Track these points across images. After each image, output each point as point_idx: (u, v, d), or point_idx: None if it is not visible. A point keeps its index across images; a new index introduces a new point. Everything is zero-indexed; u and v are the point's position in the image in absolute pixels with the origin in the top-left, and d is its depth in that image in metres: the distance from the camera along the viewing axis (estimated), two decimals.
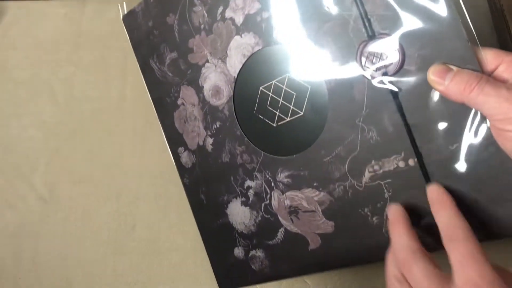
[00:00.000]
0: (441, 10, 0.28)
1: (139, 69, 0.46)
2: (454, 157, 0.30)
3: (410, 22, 0.29)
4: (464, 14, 0.28)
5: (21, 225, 0.54)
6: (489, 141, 0.28)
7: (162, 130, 0.46)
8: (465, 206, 0.29)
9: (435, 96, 0.29)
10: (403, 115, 0.31)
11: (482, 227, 0.29)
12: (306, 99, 0.35)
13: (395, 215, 0.31)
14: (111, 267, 0.52)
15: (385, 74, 0.30)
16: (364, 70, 0.31)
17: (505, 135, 0.26)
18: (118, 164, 0.55)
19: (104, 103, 0.57)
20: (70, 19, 0.60)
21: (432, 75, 0.28)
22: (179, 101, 0.43)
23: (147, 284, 0.51)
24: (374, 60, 0.31)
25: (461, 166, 0.29)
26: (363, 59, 0.31)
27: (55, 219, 0.54)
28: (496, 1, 0.47)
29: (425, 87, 0.29)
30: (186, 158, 0.45)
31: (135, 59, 0.46)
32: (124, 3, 0.46)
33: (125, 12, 0.46)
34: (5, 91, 0.59)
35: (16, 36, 0.60)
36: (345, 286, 0.47)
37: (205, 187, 0.44)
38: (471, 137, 0.29)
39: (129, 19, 0.45)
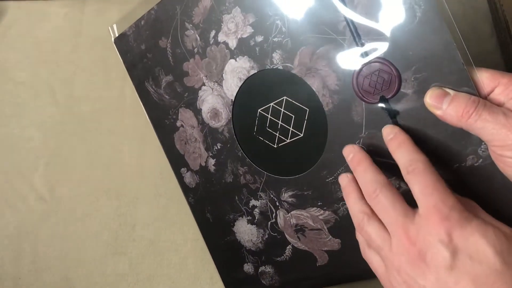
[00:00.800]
0: (436, 34, 0.28)
1: (135, 91, 0.46)
2: (456, 177, 0.30)
3: (405, 46, 0.29)
4: (459, 36, 0.28)
5: (21, 225, 0.54)
6: (490, 161, 0.29)
7: (163, 150, 0.46)
8: None
9: (433, 118, 0.29)
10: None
11: None
12: (305, 121, 0.36)
13: (357, 154, 0.31)
14: (111, 267, 0.52)
15: (382, 97, 0.31)
16: (360, 93, 0.32)
17: (504, 161, 0.27)
18: (118, 164, 0.55)
19: (104, 103, 0.57)
20: (70, 19, 0.60)
21: (430, 99, 0.28)
22: (178, 123, 0.44)
23: (147, 284, 0.51)
24: (370, 84, 0.31)
25: (460, 185, 0.30)
26: (360, 83, 0.31)
27: (55, 219, 0.54)
28: (496, 1, 0.47)
29: (422, 110, 0.29)
30: (189, 178, 0.45)
31: (126, 68, 0.47)
32: (115, 25, 0.45)
33: (116, 35, 0.46)
34: (5, 91, 0.59)
35: (16, 36, 0.60)
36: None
37: (211, 206, 0.44)
38: (472, 158, 0.29)
39: (121, 42, 0.45)
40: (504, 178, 0.28)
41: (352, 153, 0.32)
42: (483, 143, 0.28)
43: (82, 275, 0.52)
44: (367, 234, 0.29)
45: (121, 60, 0.46)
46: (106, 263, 0.52)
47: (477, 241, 0.24)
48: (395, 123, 0.31)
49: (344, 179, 0.32)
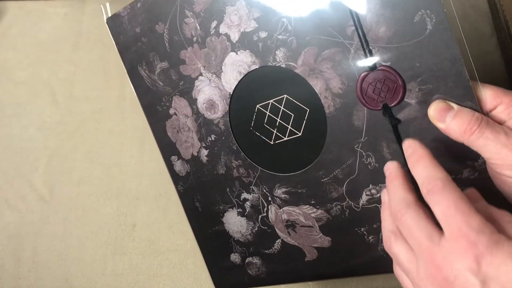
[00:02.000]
0: (444, 48, 0.28)
1: (126, 74, 0.45)
2: None
3: (413, 57, 0.29)
4: (466, 50, 0.28)
5: (21, 225, 0.54)
6: (486, 175, 0.29)
7: (153, 137, 0.45)
8: None
9: (433, 130, 0.29)
10: (401, 146, 0.31)
11: None
12: (305, 121, 0.35)
13: (392, 170, 0.30)
14: (111, 267, 0.52)
15: (385, 105, 0.31)
16: (364, 99, 0.31)
17: (502, 179, 0.27)
18: (118, 164, 0.55)
19: (104, 103, 0.57)
20: (70, 19, 0.60)
21: (433, 112, 0.28)
22: (171, 111, 0.43)
23: (147, 284, 0.51)
24: (374, 91, 0.31)
25: None
26: (364, 89, 0.31)
27: (55, 219, 0.54)
28: (496, 1, 0.47)
29: (424, 121, 0.29)
30: (179, 166, 0.44)
31: (117, 49, 0.45)
32: (108, 4, 0.44)
33: (109, 14, 0.44)
34: (5, 91, 0.59)
35: (16, 36, 0.60)
36: (346, 285, 0.47)
37: (200, 196, 0.44)
38: (468, 171, 0.30)
39: (114, 23, 0.44)
40: (498, 193, 0.28)
41: (389, 169, 0.30)
42: (480, 157, 0.29)
43: (82, 275, 0.52)
44: (395, 255, 0.28)
45: (113, 42, 0.44)
46: (106, 263, 0.52)
47: (510, 269, 0.22)
48: (396, 131, 0.31)
49: (384, 195, 0.31)
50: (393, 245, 0.28)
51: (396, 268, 0.30)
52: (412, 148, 0.28)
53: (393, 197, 0.28)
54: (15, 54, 0.60)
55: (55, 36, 0.60)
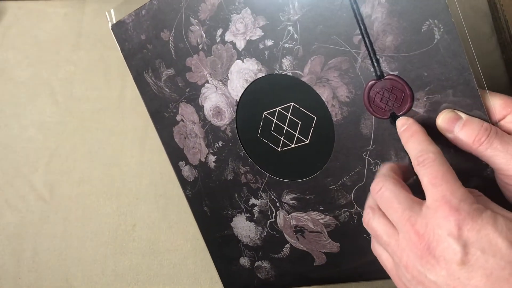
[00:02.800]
0: (453, 57, 0.28)
1: (133, 80, 0.45)
2: None
3: (421, 66, 0.29)
4: (475, 59, 0.28)
5: (21, 225, 0.54)
6: (494, 185, 0.29)
7: (161, 142, 0.46)
8: None
9: (441, 139, 0.29)
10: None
11: None
12: (312, 128, 0.35)
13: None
14: (111, 267, 0.52)
15: (393, 113, 0.31)
16: (372, 108, 0.32)
17: (510, 189, 0.27)
18: (118, 164, 0.55)
19: (104, 103, 0.57)
20: (70, 19, 0.60)
21: (441, 122, 0.28)
22: (178, 117, 0.43)
23: (147, 284, 0.51)
24: (382, 100, 0.31)
25: None
26: (372, 98, 0.31)
27: (55, 219, 0.54)
28: (496, 1, 0.47)
29: (433, 130, 0.29)
30: (187, 172, 0.44)
31: (123, 56, 0.45)
32: (112, 11, 0.44)
33: (114, 21, 0.44)
34: (5, 91, 0.59)
35: (16, 36, 0.60)
36: (346, 285, 0.47)
37: (208, 201, 0.44)
38: (475, 179, 0.30)
39: (119, 29, 0.44)
40: (507, 203, 0.28)
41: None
42: (489, 167, 0.29)
43: (82, 275, 0.52)
44: (373, 230, 0.28)
45: (119, 48, 0.45)
46: (106, 263, 0.52)
47: (489, 234, 0.23)
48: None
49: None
50: (371, 220, 0.28)
51: (374, 245, 0.30)
52: (406, 124, 0.29)
53: (377, 175, 0.29)
54: (15, 54, 0.60)
55: (55, 36, 0.60)
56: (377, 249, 0.29)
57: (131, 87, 0.57)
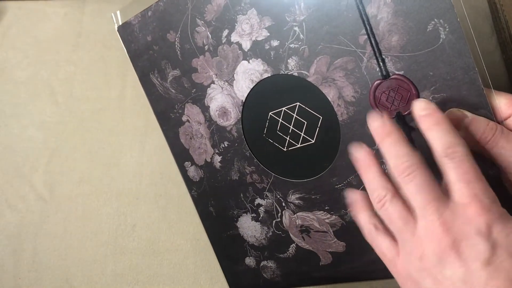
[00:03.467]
0: (458, 57, 0.28)
1: (139, 81, 0.45)
2: None
3: (426, 66, 0.29)
4: (480, 59, 0.28)
5: (21, 225, 0.54)
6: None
7: (166, 142, 0.46)
8: None
9: None
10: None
11: None
12: (318, 128, 0.35)
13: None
14: (111, 267, 0.52)
15: (398, 113, 0.31)
16: (377, 107, 0.32)
17: None
18: (118, 164, 0.55)
19: (104, 103, 0.57)
20: (70, 19, 0.60)
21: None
22: (184, 118, 0.43)
23: (147, 284, 0.51)
24: (388, 99, 0.31)
25: None
26: (377, 97, 0.32)
27: (55, 219, 0.54)
28: (496, 1, 0.47)
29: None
30: (193, 172, 0.45)
31: (129, 57, 0.45)
32: (118, 12, 0.44)
33: (120, 22, 0.44)
34: (5, 91, 0.59)
35: (16, 36, 0.60)
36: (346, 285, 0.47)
37: (214, 201, 0.44)
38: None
39: (125, 31, 0.44)
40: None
41: (378, 122, 0.28)
42: (495, 166, 0.29)
43: (82, 275, 0.52)
44: (388, 214, 0.27)
45: (124, 50, 0.45)
46: (106, 263, 0.52)
47: None
48: (409, 139, 0.31)
49: (360, 152, 0.29)
50: (388, 203, 0.27)
51: (372, 232, 0.28)
52: (428, 110, 0.27)
53: (394, 151, 0.27)
54: (15, 54, 0.60)
55: (55, 36, 0.60)
56: (376, 237, 0.28)
57: (131, 87, 0.57)
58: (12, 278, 0.53)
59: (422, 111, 0.27)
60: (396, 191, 0.27)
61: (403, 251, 0.26)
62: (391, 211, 0.26)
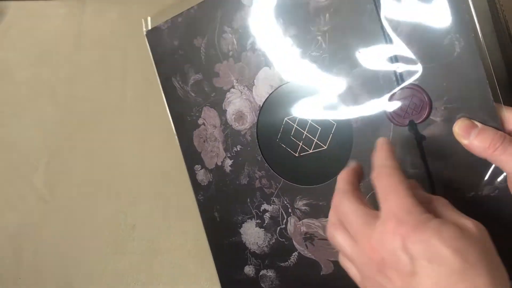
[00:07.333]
0: (471, 70, 0.29)
1: (160, 85, 0.47)
2: (471, 205, 0.31)
3: (440, 77, 0.30)
4: (492, 73, 0.30)
5: (21, 225, 0.54)
6: (506, 193, 0.29)
7: (179, 145, 0.46)
8: None
9: (456, 147, 0.30)
10: (425, 162, 0.32)
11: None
12: (331, 134, 0.36)
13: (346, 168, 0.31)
14: (111, 267, 0.52)
15: (411, 121, 0.32)
16: (391, 116, 0.33)
17: None
18: (118, 164, 0.55)
19: (104, 103, 0.57)
20: (70, 19, 0.60)
21: (458, 129, 0.30)
22: (200, 121, 0.44)
23: (147, 284, 0.51)
24: (402, 108, 0.32)
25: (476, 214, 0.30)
26: (391, 106, 0.32)
27: (55, 219, 0.54)
28: (496, 1, 0.47)
29: (449, 138, 0.30)
30: (202, 176, 0.45)
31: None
32: (149, 18, 0.46)
33: (149, 27, 0.46)
34: (5, 91, 0.59)
35: (16, 36, 0.60)
36: None
37: (220, 206, 0.45)
38: (488, 188, 0.30)
39: (153, 36, 0.46)
40: None
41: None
42: (500, 176, 0.30)
43: (82, 275, 0.52)
44: (338, 244, 0.29)
45: (150, 53, 0.46)
46: (106, 263, 0.52)
47: (434, 243, 0.23)
48: (421, 147, 0.32)
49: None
50: (334, 235, 0.29)
51: (342, 259, 0.31)
52: (379, 143, 0.30)
53: (335, 189, 0.30)
54: (15, 54, 0.60)
55: (55, 36, 0.60)
56: (345, 263, 0.30)
57: (131, 87, 0.57)
58: (12, 278, 0.53)
59: (377, 144, 0.30)
60: (341, 222, 0.29)
61: (360, 276, 0.28)
62: (338, 242, 0.29)
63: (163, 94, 0.46)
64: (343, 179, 0.30)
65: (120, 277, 0.51)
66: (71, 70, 0.58)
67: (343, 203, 0.28)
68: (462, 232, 0.24)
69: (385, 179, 0.27)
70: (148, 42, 0.46)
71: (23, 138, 0.57)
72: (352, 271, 0.29)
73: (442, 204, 0.27)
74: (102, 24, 0.59)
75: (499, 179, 0.30)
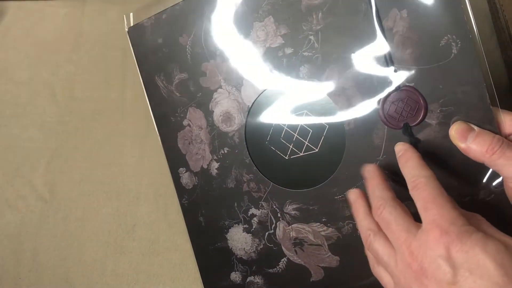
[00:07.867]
0: (468, 72, 0.29)
1: (142, 84, 0.45)
2: (466, 210, 0.30)
3: (436, 79, 0.30)
4: (489, 76, 0.29)
5: (21, 225, 0.54)
6: (502, 197, 0.29)
7: (162, 147, 0.45)
8: None
9: (452, 151, 0.30)
10: None
11: None
12: (323, 137, 0.35)
13: (371, 171, 0.32)
14: (111, 267, 0.52)
15: (406, 124, 0.31)
16: (385, 118, 0.32)
17: None
18: (118, 164, 0.55)
19: (104, 103, 0.57)
20: (70, 19, 0.60)
21: (455, 132, 0.29)
22: (185, 122, 0.42)
23: (147, 284, 0.51)
24: (396, 110, 0.31)
25: None
26: (386, 108, 0.32)
27: (55, 219, 0.54)
28: (496, 1, 0.47)
29: (444, 141, 0.30)
30: (187, 179, 0.44)
31: (135, 59, 0.46)
32: (131, 14, 0.44)
33: (131, 24, 0.44)
34: (5, 91, 0.59)
35: (16, 36, 0.60)
36: None
37: (205, 210, 0.43)
38: (484, 193, 0.30)
39: (136, 33, 0.44)
40: None
41: (369, 170, 0.32)
42: (496, 180, 0.29)
43: (82, 275, 0.52)
44: (374, 251, 0.29)
45: (132, 50, 0.45)
46: (106, 263, 0.52)
47: (477, 255, 0.24)
48: (416, 150, 0.31)
49: (353, 195, 0.33)
50: (372, 242, 0.29)
51: (375, 266, 0.31)
52: (402, 150, 0.30)
53: (372, 195, 0.30)
54: (15, 54, 0.60)
55: (55, 36, 0.60)
56: (378, 272, 0.30)
57: (131, 87, 0.57)
58: (12, 278, 0.53)
59: (398, 153, 0.30)
60: (380, 229, 0.29)
61: (394, 283, 0.29)
62: (375, 248, 0.29)
63: (145, 94, 0.45)
64: (381, 186, 0.30)
65: (120, 277, 0.51)
66: (71, 70, 0.58)
67: (386, 210, 0.28)
68: (507, 248, 0.24)
69: (425, 190, 0.27)
70: (130, 39, 0.44)
71: (23, 138, 0.57)
72: (386, 279, 0.29)
73: (480, 219, 0.27)
74: (102, 24, 0.59)
75: (495, 183, 0.30)
